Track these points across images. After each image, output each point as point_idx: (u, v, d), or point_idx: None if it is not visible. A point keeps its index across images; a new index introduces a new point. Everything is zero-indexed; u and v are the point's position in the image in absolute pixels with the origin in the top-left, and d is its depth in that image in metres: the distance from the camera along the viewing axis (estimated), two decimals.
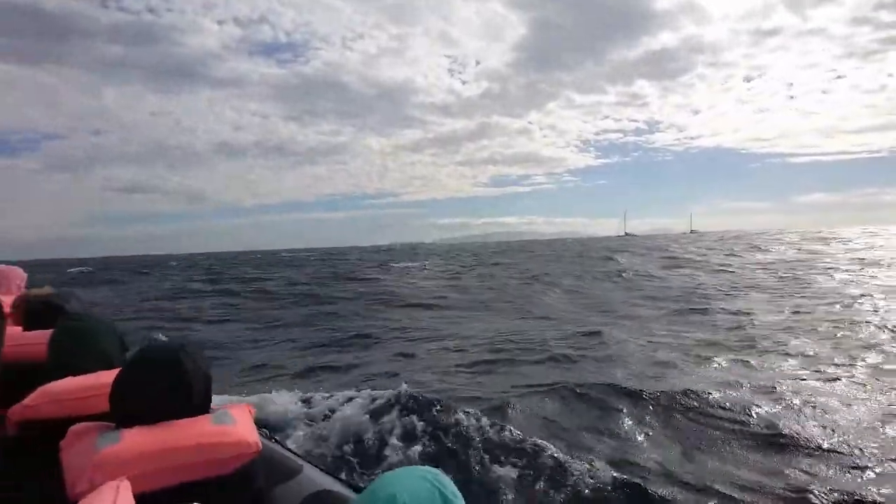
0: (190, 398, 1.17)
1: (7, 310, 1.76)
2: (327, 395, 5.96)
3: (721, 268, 24.13)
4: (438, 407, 5.20)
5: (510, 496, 3.91)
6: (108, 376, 1.24)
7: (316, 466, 1.57)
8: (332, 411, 5.44)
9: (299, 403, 5.74)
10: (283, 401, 5.77)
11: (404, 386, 5.68)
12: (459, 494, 0.74)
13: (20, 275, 2.59)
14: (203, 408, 1.20)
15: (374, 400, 5.53)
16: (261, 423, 1.33)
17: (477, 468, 4.27)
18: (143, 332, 10.09)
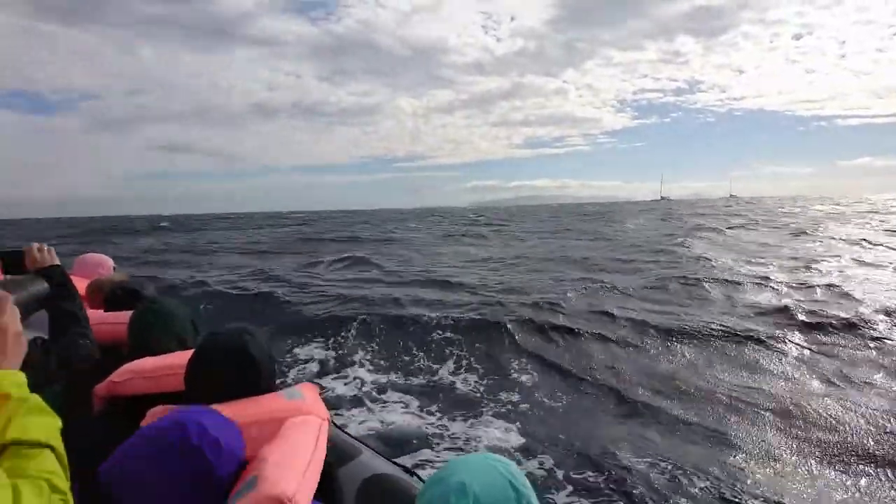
0: (257, 378, 1.25)
1: (82, 293, 1.85)
2: None
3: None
4: None
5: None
6: (184, 356, 1.33)
7: (373, 450, 1.62)
8: None
9: None
10: None
11: None
12: (530, 486, 0.73)
13: (105, 263, 2.63)
14: (269, 387, 1.28)
15: None
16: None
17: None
18: (212, 310, 10.23)
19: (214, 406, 1.14)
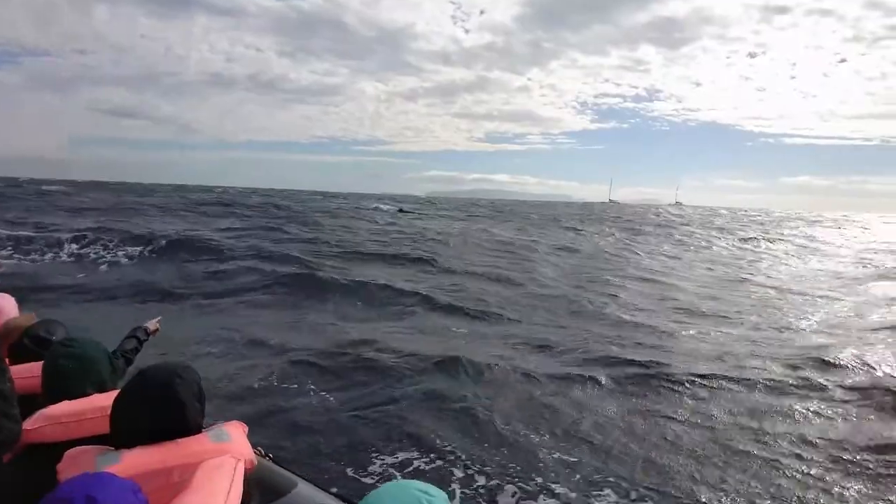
0: (185, 418, 1.23)
1: None
2: None
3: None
4: None
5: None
6: (103, 399, 1.31)
7: (310, 482, 1.60)
8: None
9: None
10: None
11: None
12: None
13: (5, 306, 2.24)
14: (198, 426, 1.26)
15: None
16: (254, 442, 1.36)
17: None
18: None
19: (138, 449, 1.14)
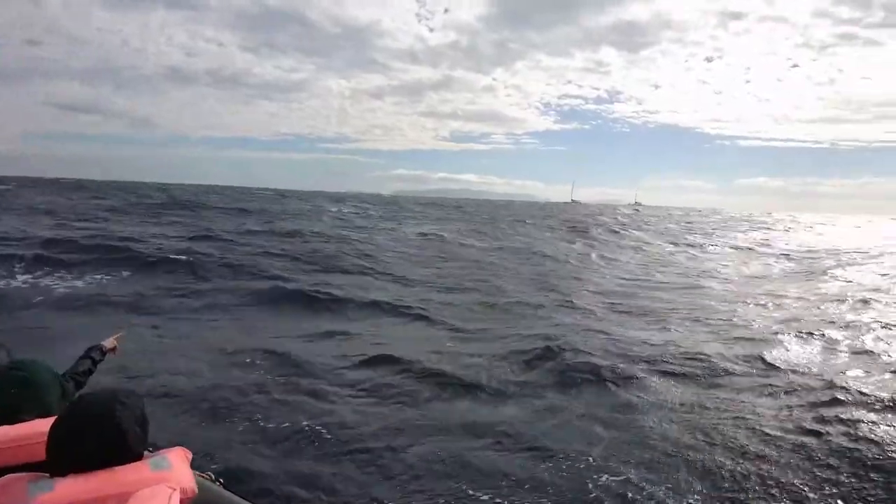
0: (125, 446, 1.19)
1: None
2: None
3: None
4: None
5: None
6: (45, 424, 1.25)
7: None
8: None
9: None
10: None
11: None
12: None
13: None
14: (139, 453, 1.23)
15: None
16: (200, 467, 1.33)
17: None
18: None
19: (71, 477, 1.12)
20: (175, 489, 1.12)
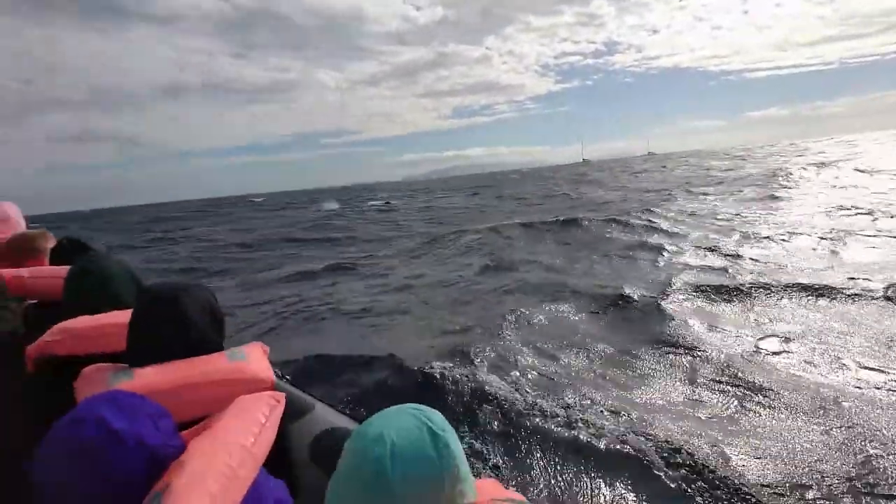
0: (198, 336, 1.21)
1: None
2: None
3: None
4: None
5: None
6: (120, 316, 1.29)
7: (328, 404, 1.61)
8: None
9: None
10: None
11: None
12: (449, 428, 0.78)
13: (13, 215, 2.42)
14: (216, 346, 1.24)
15: None
16: (275, 364, 1.35)
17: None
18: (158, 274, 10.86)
19: (150, 367, 1.13)
20: (280, 402, 1.09)
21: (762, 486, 2.88)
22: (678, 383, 4.25)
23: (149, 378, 1.10)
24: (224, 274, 11.95)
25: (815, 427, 3.44)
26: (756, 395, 3.92)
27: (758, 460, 3.11)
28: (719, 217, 12.93)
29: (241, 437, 0.92)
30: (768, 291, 6.23)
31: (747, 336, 5.03)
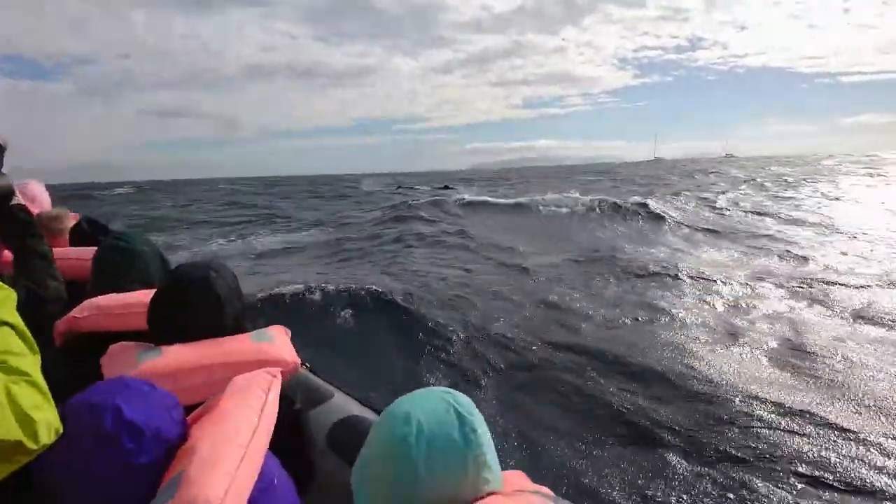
0: (224, 316, 1.23)
1: None
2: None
3: None
4: None
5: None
6: (148, 295, 1.29)
7: (346, 393, 1.60)
8: None
9: None
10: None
11: None
12: (476, 411, 0.77)
13: (42, 194, 2.44)
14: (240, 325, 1.27)
15: None
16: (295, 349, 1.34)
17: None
18: (185, 251, 11.69)
19: (177, 346, 1.16)
20: (276, 376, 1.07)
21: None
22: None
23: (176, 357, 1.13)
24: None
25: None
26: None
27: None
28: None
29: (246, 415, 0.92)
30: None
31: None
